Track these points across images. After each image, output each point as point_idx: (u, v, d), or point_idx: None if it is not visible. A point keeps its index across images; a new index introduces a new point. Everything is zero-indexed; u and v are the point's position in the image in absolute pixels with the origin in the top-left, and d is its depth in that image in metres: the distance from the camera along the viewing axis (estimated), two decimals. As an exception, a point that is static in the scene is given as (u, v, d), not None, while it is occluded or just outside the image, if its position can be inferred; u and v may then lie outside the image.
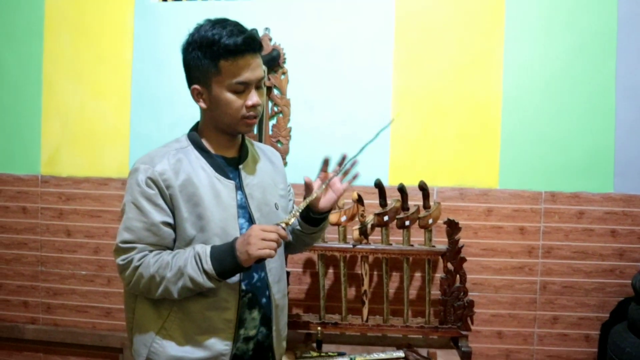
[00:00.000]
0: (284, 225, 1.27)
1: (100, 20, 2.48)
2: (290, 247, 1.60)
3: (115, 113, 2.48)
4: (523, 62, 2.33)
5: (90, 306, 2.52)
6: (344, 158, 1.39)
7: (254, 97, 1.33)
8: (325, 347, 2.16)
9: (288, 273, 2.22)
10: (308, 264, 2.41)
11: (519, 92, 2.34)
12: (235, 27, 1.30)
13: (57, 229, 2.53)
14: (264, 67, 2.31)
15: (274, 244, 1.22)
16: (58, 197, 2.52)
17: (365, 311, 2.17)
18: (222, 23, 1.30)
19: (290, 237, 1.49)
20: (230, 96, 1.31)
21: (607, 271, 2.33)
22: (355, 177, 1.41)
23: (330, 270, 2.38)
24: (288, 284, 2.22)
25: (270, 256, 1.22)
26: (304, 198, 1.36)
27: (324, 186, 1.38)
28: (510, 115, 2.34)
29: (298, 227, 1.50)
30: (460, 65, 2.35)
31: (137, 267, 1.28)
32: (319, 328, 2.13)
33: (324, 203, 1.42)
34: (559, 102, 2.33)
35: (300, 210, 1.32)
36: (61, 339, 2.50)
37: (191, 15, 1.37)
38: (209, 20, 1.32)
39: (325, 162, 1.41)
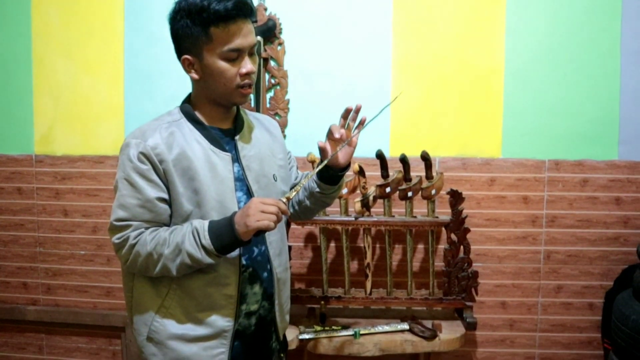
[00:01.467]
0: (285, 200, 1.23)
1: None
2: (308, 211, 1.56)
3: (108, 88, 2.42)
4: (525, 28, 2.27)
5: (91, 286, 2.50)
6: (348, 111, 1.39)
7: (247, 65, 1.28)
8: (329, 321, 2.14)
9: (290, 247, 2.20)
10: (309, 238, 2.38)
11: (522, 59, 2.28)
12: None
13: (53, 209, 2.49)
14: (260, 38, 2.27)
15: (274, 217, 1.18)
16: (53, 177, 2.47)
17: (368, 284, 2.15)
18: None
19: (290, 212, 1.46)
20: (223, 64, 1.26)
21: (611, 239, 2.31)
22: (363, 122, 1.40)
23: (332, 244, 2.35)
24: (290, 259, 2.20)
25: (270, 228, 1.19)
26: (320, 162, 1.37)
27: (343, 146, 1.37)
28: (512, 83, 2.29)
29: (317, 189, 1.46)
30: (461, 32, 2.29)
31: (133, 245, 1.24)
32: (322, 302, 2.11)
33: (343, 158, 1.40)
34: (563, 69, 2.27)
35: (311, 177, 1.31)
36: (63, 319, 2.49)
37: None
38: None
39: (345, 114, 1.40)
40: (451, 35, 2.29)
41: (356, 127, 1.41)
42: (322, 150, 1.37)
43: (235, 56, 1.26)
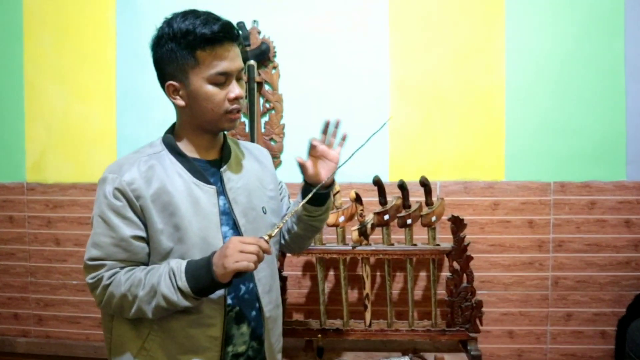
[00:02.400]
0: (266, 238, 1.16)
1: (80, 17, 2.37)
2: (299, 239, 1.48)
3: (100, 115, 2.38)
4: (526, 46, 2.20)
5: (83, 317, 2.43)
6: (327, 125, 1.34)
7: (236, 89, 1.23)
8: (327, 355, 2.05)
9: (285, 278, 2.13)
10: (307, 267, 2.30)
11: (523, 78, 2.21)
12: (209, 16, 1.21)
13: (45, 237, 2.43)
14: (254, 62, 2.22)
15: (254, 257, 1.11)
16: (45, 205, 2.42)
17: (368, 316, 2.06)
18: (194, 13, 1.21)
19: (273, 250, 1.38)
20: (210, 89, 1.21)
21: (622, 263, 2.21)
22: (344, 138, 1.37)
23: (331, 272, 2.27)
24: (286, 290, 2.13)
25: (249, 269, 1.11)
26: (303, 180, 1.35)
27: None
28: (514, 103, 2.22)
29: (304, 212, 1.38)
30: (459, 52, 2.22)
31: (107, 286, 1.18)
32: (319, 335, 2.02)
33: (325, 173, 1.34)
34: (566, 88, 2.20)
35: (288, 218, 1.24)
36: (54, 351, 2.42)
37: (176, 9, 1.28)
38: (177, 13, 1.23)
39: (325, 128, 1.35)
40: (450, 55, 2.23)
41: (338, 144, 1.37)
42: (301, 167, 1.33)
43: (222, 80, 1.21)
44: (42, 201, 2.42)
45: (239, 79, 1.26)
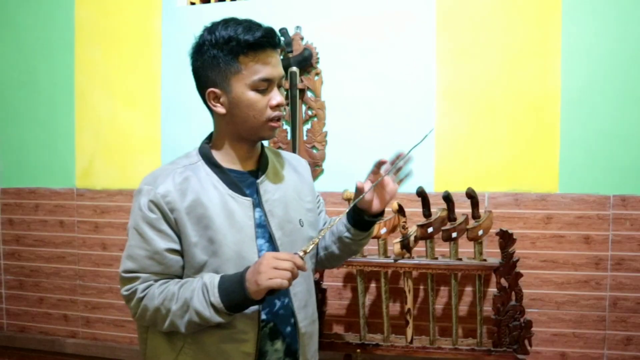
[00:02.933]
0: (301, 254, 1.12)
1: (128, 29, 2.43)
2: (334, 259, 1.45)
3: (146, 123, 2.42)
4: (584, 48, 2.06)
5: (128, 320, 2.48)
6: (398, 156, 1.25)
7: (277, 96, 1.22)
8: (367, 370, 2.00)
9: (325, 289, 2.08)
10: (348, 278, 2.25)
11: (581, 83, 2.07)
12: (251, 23, 1.20)
13: (93, 242, 2.49)
14: (296, 68, 2.19)
15: (288, 274, 1.08)
16: (93, 210, 2.49)
17: (409, 332, 1.98)
18: (235, 20, 1.20)
19: (310, 265, 1.34)
20: (253, 95, 1.19)
21: (689, 285, 2.03)
22: (408, 175, 1.29)
23: (372, 284, 2.21)
24: (325, 301, 2.08)
25: (283, 287, 1.08)
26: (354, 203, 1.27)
27: (372, 187, 1.25)
28: (570, 109, 2.08)
29: (346, 234, 1.35)
30: (511, 56, 2.11)
31: (141, 299, 1.18)
32: (358, 350, 1.97)
33: (377, 204, 1.28)
34: (627, 93, 2.04)
35: (338, 221, 1.21)
36: (100, 353, 2.48)
37: (219, 17, 1.28)
38: (218, 21, 1.22)
39: (378, 164, 1.26)
40: (500, 59, 2.12)
41: (393, 172, 1.28)
42: (358, 191, 1.26)
43: (265, 86, 1.20)
44: (91, 207, 2.49)
45: (279, 87, 1.24)
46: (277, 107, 1.22)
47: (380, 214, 1.33)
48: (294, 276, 1.10)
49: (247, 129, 1.23)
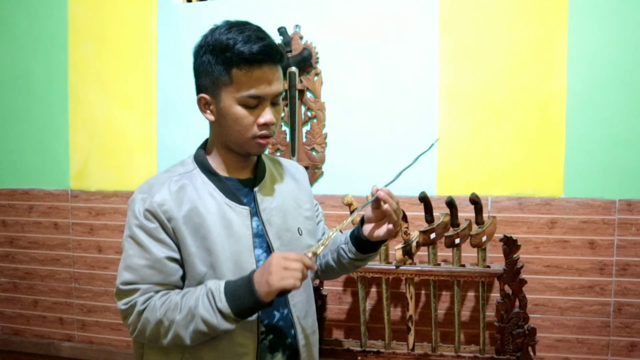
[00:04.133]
0: (310, 255, 1.07)
1: (123, 27, 2.37)
2: (330, 271, 1.40)
3: (142, 124, 2.37)
4: (591, 49, 2.02)
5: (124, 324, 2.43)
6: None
7: (267, 115, 1.14)
8: (368, 377, 1.96)
9: (325, 296, 2.05)
10: (349, 283, 2.21)
11: (587, 85, 2.02)
12: (254, 33, 1.11)
13: (88, 244, 2.45)
14: (295, 69, 2.13)
15: (299, 274, 1.03)
16: (88, 212, 2.44)
17: (411, 338, 1.95)
18: (241, 27, 1.12)
19: (309, 274, 1.30)
20: (240, 110, 1.12)
21: (695, 290, 2.01)
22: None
23: (373, 289, 2.17)
24: (325, 307, 2.05)
25: (295, 287, 1.03)
26: (360, 227, 1.22)
27: (369, 202, 1.18)
28: (576, 112, 2.04)
29: (345, 252, 1.30)
30: (516, 57, 2.06)
31: (141, 312, 1.12)
32: (359, 357, 1.93)
33: (380, 231, 1.20)
34: (633, 96, 2.00)
35: (340, 228, 1.15)
36: (96, 357, 2.45)
37: (217, 16, 1.24)
38: (227, 22, 1.14)
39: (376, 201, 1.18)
40: (505, 60, 2.07)
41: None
42: (364, 218, 1.21)
43: (254, 103, 1.12)
44: (85, 208, 2.44)
45: (274, 104, 1.17)
46: (265, 125, 1.15)
47: (383, 241, 1.26)
48: (304, 277, 1.06)
49: (232, 142, 1.18)
